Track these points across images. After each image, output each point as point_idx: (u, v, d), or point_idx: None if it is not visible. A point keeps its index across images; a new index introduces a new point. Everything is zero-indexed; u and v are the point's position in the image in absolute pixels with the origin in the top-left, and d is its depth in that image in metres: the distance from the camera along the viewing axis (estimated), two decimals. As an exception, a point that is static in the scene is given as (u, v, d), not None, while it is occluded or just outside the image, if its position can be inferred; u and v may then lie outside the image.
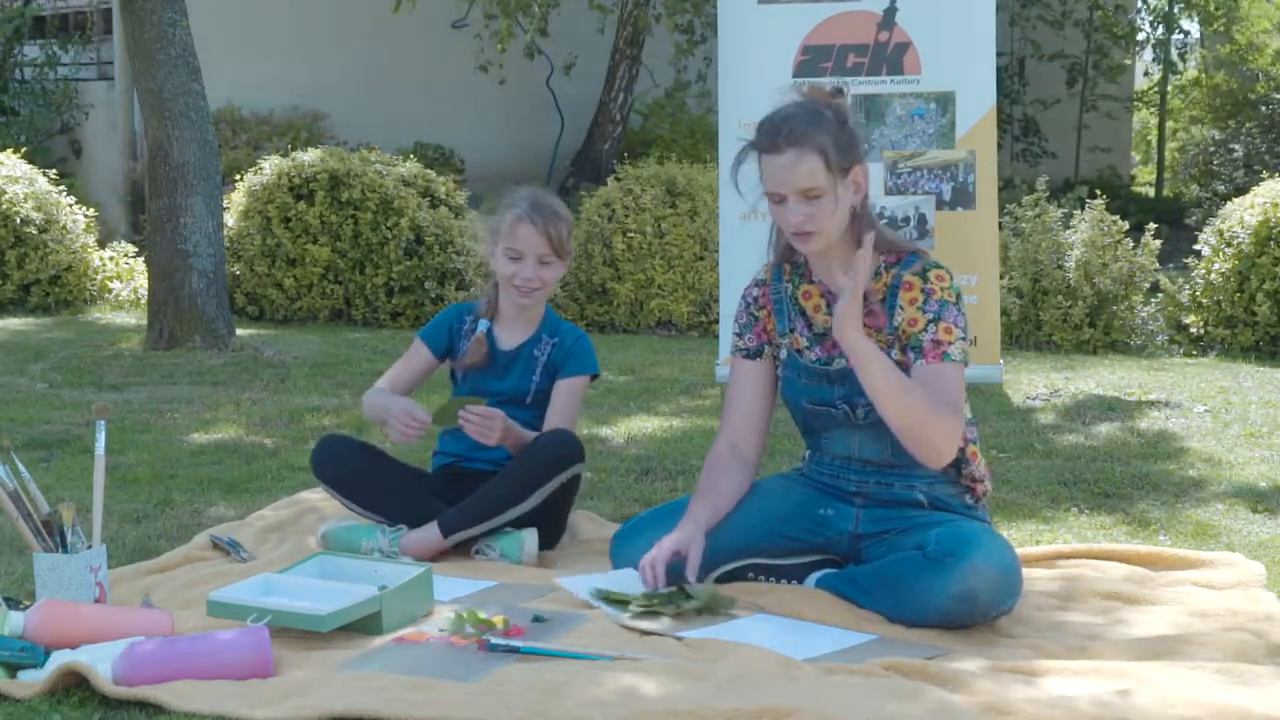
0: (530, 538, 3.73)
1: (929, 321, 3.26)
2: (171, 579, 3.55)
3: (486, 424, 3.67)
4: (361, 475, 3.81)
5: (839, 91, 3.33)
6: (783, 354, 3.46)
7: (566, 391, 3.89)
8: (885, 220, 6.32)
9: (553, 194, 4.05)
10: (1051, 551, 3.77)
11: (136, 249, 9.71)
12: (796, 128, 3.23)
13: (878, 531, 3.38)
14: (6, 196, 9.18)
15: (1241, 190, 10.25)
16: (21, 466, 3.31)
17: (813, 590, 3.39)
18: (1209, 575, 3.54)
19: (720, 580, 3.42)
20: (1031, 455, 5.00)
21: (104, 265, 9.65)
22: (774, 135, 3.25)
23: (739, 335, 3.52)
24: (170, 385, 6.44)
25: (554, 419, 3.85)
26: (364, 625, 3.10)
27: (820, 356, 3.39)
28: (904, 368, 3.27)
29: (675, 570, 3.30)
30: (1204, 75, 15.67)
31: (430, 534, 3.71)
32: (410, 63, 12.83)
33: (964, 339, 3.27)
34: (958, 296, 3.30)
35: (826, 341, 3.38)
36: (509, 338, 3.95)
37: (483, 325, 3.94)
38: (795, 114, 3.26)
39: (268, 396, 6.17)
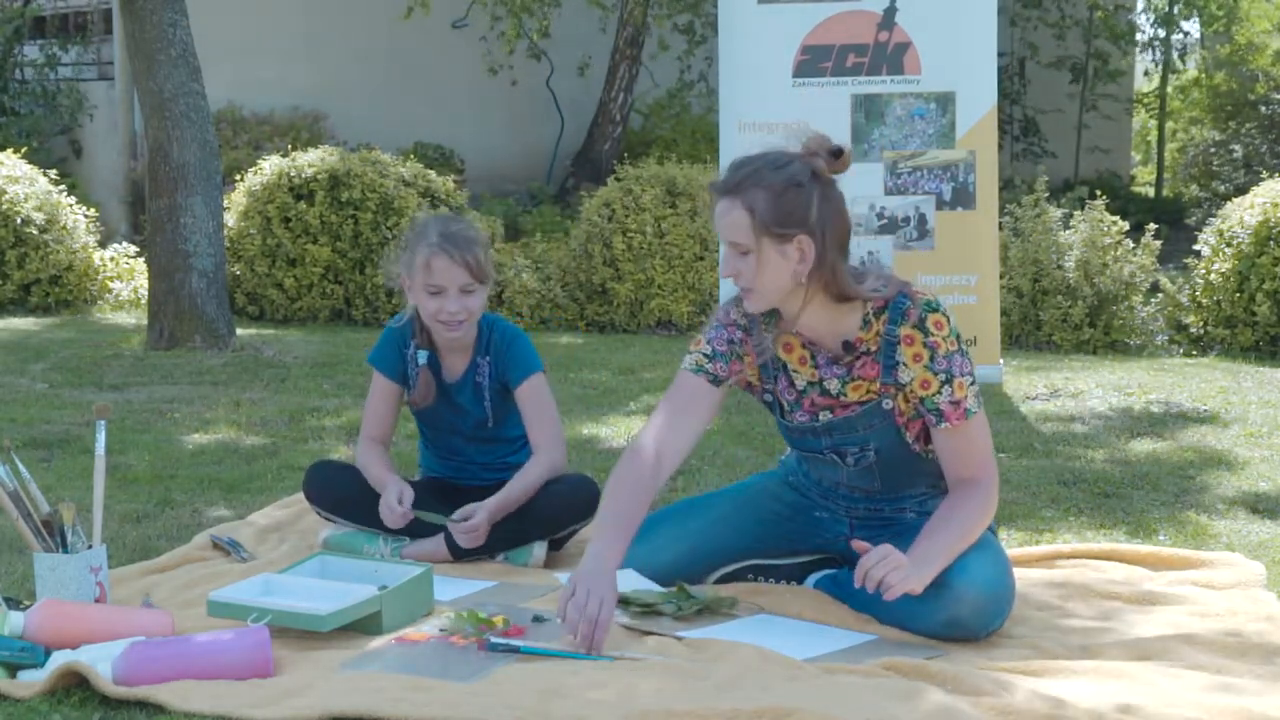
0: (540, 548, 3.73)
1: (942, 384, 3.14)
2: (171, 579, 3.55)
3: (475, 535, 3.63)
4: (355, 499, 3.78)
5: (838, 153, 3.09)
6: (768, 398, 3.34)
7: (530, 398, 3.77)
8: (885, 221, 6.33)
9: (460, 218, 3.94)
10: (1051, 551, 3.76)
11: (137, 249, 9.71)
12: (737, 177, 3.09)
13: (872, 537, 3.35)
14: (7, 196, 9.18)
15: (1241, 190, 10.26)
16: (21, 466, 3.31)
17: (812, 590, 3.39)
18: (1209, 575, 3.53)
19: (720, 580, 3.43)
20: (1031, 455, 5.00)
21: (104, 265, 9.65)
22: (722, 179, 3.12)
23: (709, 358, 3.26)
24: (170, 385, 6.44)
25: (537, 429, 3.76)
26: (364, 625, 3.10)
27: (804, 420, 3.29)
28: (912, 424, 3.22)
29: (676, 570, 3.29)
30: (1204, 76, 15.68)
31: (437, 549, 3.70)
32: (410, 63, 12.84)
33: (973, 384, 3.18)
34: (958, 339, 3.17)
35: (806, 401, 3.28)
36: (451, 366, 3.83)
37: (422, 357, 3.81)
38: (750, 162, 3.09)
39: (268, 396, 6.17)
